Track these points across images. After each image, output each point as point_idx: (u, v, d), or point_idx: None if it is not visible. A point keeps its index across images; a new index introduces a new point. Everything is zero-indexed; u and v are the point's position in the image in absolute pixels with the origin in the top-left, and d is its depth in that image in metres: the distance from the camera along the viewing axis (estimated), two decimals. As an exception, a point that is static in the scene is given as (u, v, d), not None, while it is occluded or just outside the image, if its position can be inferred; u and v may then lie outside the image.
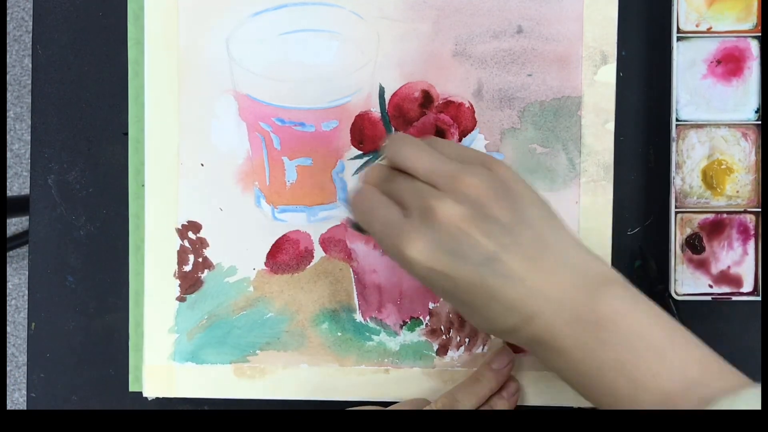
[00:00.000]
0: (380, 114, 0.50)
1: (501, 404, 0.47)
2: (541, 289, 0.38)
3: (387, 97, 0.50)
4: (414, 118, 0.50)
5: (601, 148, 0.49)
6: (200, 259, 0.51)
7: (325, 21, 0.50)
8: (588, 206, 0.50)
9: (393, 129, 0.50)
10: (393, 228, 0.40)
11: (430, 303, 0.51)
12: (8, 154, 1.18)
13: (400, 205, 0.41)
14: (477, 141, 0.50)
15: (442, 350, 0.51)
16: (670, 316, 0.40)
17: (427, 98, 0.50)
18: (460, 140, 0.50)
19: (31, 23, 0.62)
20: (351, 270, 0.51)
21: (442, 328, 0.51)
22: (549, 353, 0.40)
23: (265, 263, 0.51)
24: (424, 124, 0.50)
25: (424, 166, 0.40)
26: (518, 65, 0.50)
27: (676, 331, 0.39)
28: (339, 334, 0.51)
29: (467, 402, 0.46)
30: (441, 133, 0.50)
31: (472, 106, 0.50)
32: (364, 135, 0.50)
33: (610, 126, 0.49)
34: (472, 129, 0.50)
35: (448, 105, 0.50)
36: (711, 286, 0.50)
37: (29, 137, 0.74)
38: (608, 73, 0.49)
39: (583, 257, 0.40)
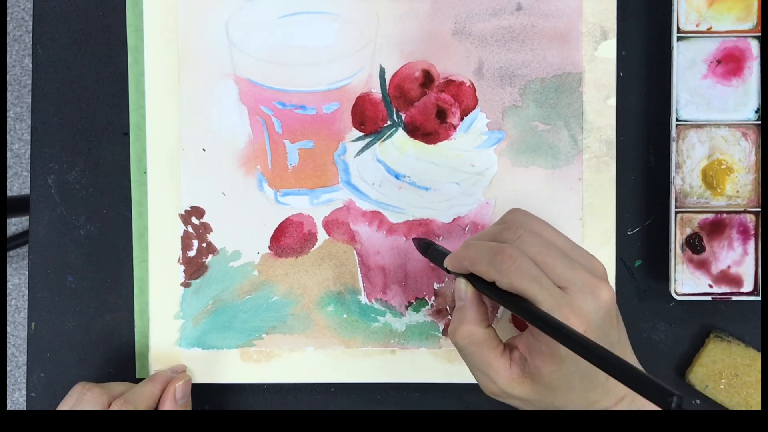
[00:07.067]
0: (381, 95, 0.50)
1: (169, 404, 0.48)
2: None
3: (387, 77, 0.50)
4: (415, 98, 0.50)
5: (604, 123, 0.49)
6: (204, 245, 0.51)
7: (324, 2, 0.50)
8: (591, 182, 0.50)
9: (394, 109, 0.50)
10: (556, 298, 0.38)
11: (435, 283, 0.51)
12: (8, 154, 1.18)
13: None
14: (479, 120, 0.50)
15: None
16: None
17: (427, 78, 0.50)
18: (462, 119, 0.50)
19: (31, 23, 0.62)
20: (355, 252, 0.51)
21: (448, 308, 0.51)
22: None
23: (269, 247, 0.51)
24: (425, 104, 0.50)
25: (555, 271, 0.39)
26: (518, 42, 0.50)
27: None
28: (344, 316, 0.51)
29: (142, 403, 0.47)
30: (442, 112, 0.50)
31: (473, 84, 0.50)
32: (366, 116, 0.50)
33: (612, 101, 0.49)
34: (474, 108, 0.50)
35: (449, 84, 0.50)
36: (711, 286, 0.50)
37: (29, 137, 0.74)
38: (608, 49, 0.49)
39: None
